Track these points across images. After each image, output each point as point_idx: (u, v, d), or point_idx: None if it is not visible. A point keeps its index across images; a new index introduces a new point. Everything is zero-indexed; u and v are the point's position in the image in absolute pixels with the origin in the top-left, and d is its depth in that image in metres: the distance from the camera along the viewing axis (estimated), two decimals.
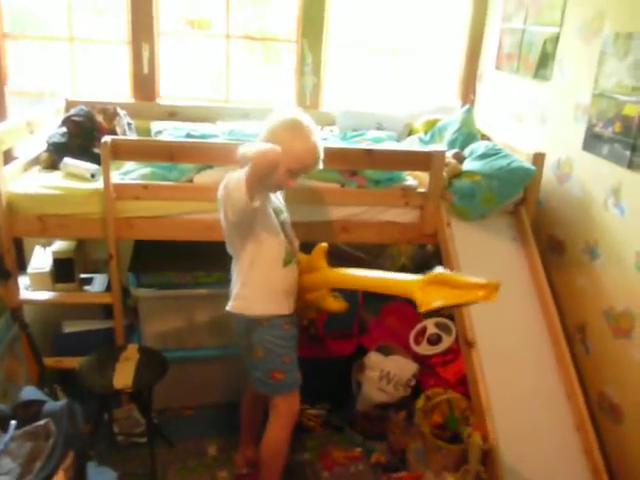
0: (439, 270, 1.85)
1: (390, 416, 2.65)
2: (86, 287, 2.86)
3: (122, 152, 2.40)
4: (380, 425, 2.70)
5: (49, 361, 2.60)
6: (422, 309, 1.79)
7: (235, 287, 2.10)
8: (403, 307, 2.98)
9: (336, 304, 2.16)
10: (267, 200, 2.05)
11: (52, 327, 2.90)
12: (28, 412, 1.54)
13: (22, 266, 2.83)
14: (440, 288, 1.79)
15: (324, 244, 2.20)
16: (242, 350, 2.15)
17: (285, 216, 2.17)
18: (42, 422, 1.49)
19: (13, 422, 1.52)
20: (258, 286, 2.07)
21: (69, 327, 2.85)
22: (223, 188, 1.94)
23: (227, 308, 2.11)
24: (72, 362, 2.44)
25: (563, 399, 2.28)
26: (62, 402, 1.54)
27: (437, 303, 1.76)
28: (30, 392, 1.65)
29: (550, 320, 2.43)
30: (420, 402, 2.41)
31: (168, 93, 3.43)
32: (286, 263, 2.08)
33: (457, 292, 1.76)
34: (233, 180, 1.89)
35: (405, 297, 1.89)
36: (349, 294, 2.89)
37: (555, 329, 2.40)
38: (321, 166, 2.06)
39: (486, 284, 1.74)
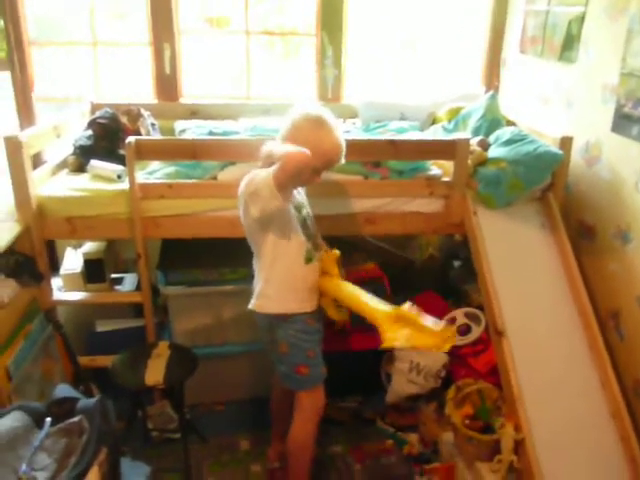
0: (406, 307, 1.95)
1: (421, 407, 2.64)
2: (117, 287, 2.91)
3: (146, 152, 2.43)
4: (411, 417, 2.69)
5: (83, 360, 2.65)
6: (384, 344, 1.88)
7: (258, 285, 2.11)
8: (432, 298, 2.97)
9: (337, 315, 2.14)
10: (289, 198, 2.04)
11: (85, 327, 2.96)
12: (62, 409, 1.57)
13: (55, 268, 2.90)
14: (403, 326, 1.89)
15: (337, 252, 2.18)
16: (267, 345, 2.16)
17: (307, 211, 2.17)
18: (76, 419, 1.52)
19: (48, 419, 1.56)
20: (281, 284, 2.06)
21: (102, 326, 2.91)
22: (246, 185, 1.95)
23: (250, 306, 2.11)
24: (105, 360, 2.48)
25: (597, 386, 2.23)
26: (94, 399, 1.57)
27: (396, 343, 1.86)
28: (64, 390, 1.68)
29: (582, 307, 2.38)
30: (451, 393, 2.39)
31: (190, 92, 3.45)
32: (307, 260, 2.07)
33: (415, 335, 1.87)
34: (260, 178, 1.88)
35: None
36: (378, 286, 2.91)
37: (587, 316, 2.35)
38: (343, 160, 2.05)
39: (439, 332, 1.85)
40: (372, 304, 1.98)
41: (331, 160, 2.00)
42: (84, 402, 1.57)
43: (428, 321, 1.90)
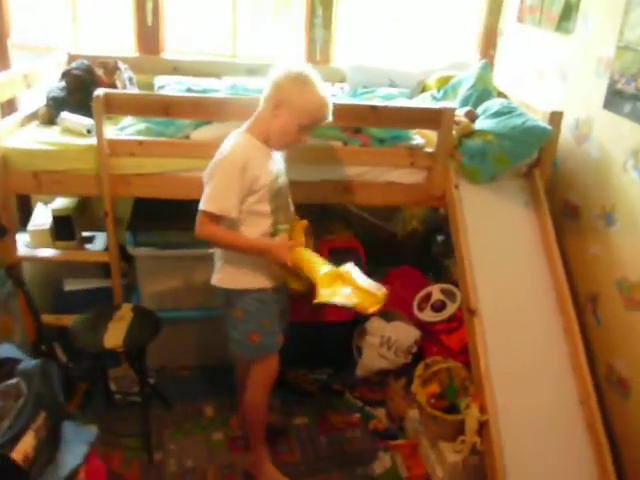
0: (346, 267, 1.90)
1: (390, 383, 2.60)
2: (87, 245, 2.82)
3: (115, 106, 2.32)
4: (380, 392, 2.65)
5: (48, 318, 2.58)
6: (316, 299, 1.83)
7: (219, 260, 2.05)
8: (408, 272, 2.91)
9: (296, 284, 2.06)
10: (264, 171, 1.95)
11: (54, 285, 2.89)
12: (1, 370, 1.50)
13: (27, 223, 2.81)
14: (342, 285, 1.85)
15: (305, 221, 2.10)
16: (222, 309, 2.11)
17: (283, 179, 2.07)
18: (13, 381, 1.46)
19: None
20: (242, 260, 1.99)
21: (70, 285, 2.84)
22: (214, 163, 1.92)
23: (212, 282, 2.07)
24: (71, 320, 2.41)
25: (568, 371, 2.18)
26: (36, 361, 1.50)
27: (331, 299, 1.81)
28: (7, 349, 1.62)
29: (560, 289, 2.31)
30: (419, 370, 2.34)
31: (173, 47, 3.31)
32: (274, 234, 2.00)
33: (353, 293, 1.83)
34: (219, 176, 1.88)
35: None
36: (354, 256, 2.84)
37: (564, 298, 2.28)
38: (331, 118, 1.96)
39: (374, 294, 1.82)
40: (316, 265, 1.91)
41: (317, 118, 1.92)
42: (25, 364, 1.50)
43: (366, 282, 1.86)
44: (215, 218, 1.88)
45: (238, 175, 1.87)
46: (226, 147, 1.92)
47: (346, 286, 1.85)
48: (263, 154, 1.96)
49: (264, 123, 1.93)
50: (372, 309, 1.82)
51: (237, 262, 2.00)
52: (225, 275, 2.04)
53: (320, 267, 1.90)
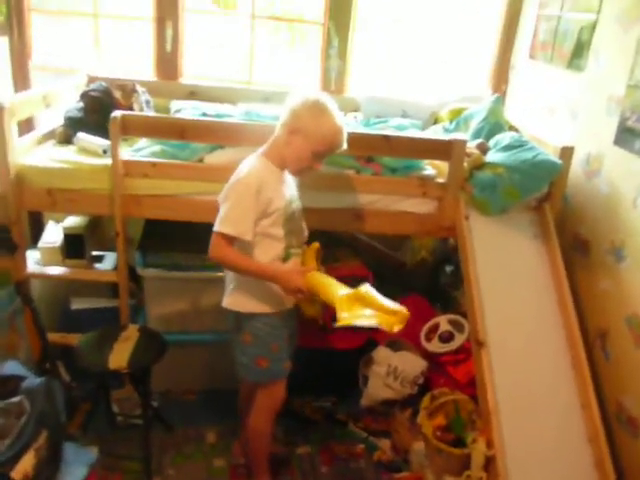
0: (365, 288, 1.87)
1: (395, 413, 2.56)
2: (97, 264, 2.83)
3: (132, 128, 2.36)
4: (385, 422, 2.61)
5: (54, 337, 2.58)
6: (338, 323, 1.80)
7: (231, 282, 2.05)
8: (416, 302, 2.88)
9: (310, 309, 2.06)
10: (278, 195, 1.96)
11: (61, 303, 2.90)
12: (6, 387, 1.50)
13: (38, 241, 2.82)
14: (362, 306, 1.83)
15: (317, 244, 2.10)
16: (231, 332, 2.10)
17: (297, 204, 2.08)
18: (16, 399, 1.45)
19: None
20: (254, 284, 1.99)
21: (77, 304, 2.84)
22: (229, 185, 1.93)
23: (223, 304, 2.07)
24: (77, 339, 2.41)
25: (577, 408, 2.14)
26: (39, 379, 1.49)
27: (354, 321, 1.78)
28: (12, 367, 1.62)
29: (569, 323, 2.29)
30: (425, 401, 2.31)
31: (191, 72, 3.37)
32: (285, 259, 2.00)
33: (375, 314, 1.80)
34: (233, 199, 1.89)
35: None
36: (361, 283, 2.83)
37: (573, 333, 2.26)
38: (345, 146, 1.98)
39: (396, 312, 1.79)
40: (333, 288, 1.90)
41: (332, 145, 1.94)
42: (29, 382, 1.50)
43: (386, 302, 1.84)
44: (230, 240, 1.88)
45: (253, 198, 1.88)
46: (242, 170, 1.94)
47: (366, 307, 1.82)
48: (277, 178, 1.98)
49: (279, 148, 1.95)
50: (396, 328, 1.77)
51: (248, 286, 2.00)
52: (236, 298, 2.03)
53: (337, 290, 1.88)
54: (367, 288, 1.88)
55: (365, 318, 1.79)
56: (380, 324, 1.77)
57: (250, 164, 1.95)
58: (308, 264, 2.04)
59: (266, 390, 2.11)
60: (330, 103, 1.94)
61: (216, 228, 1.89)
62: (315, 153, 1.92)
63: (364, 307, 1.82)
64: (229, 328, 2.11)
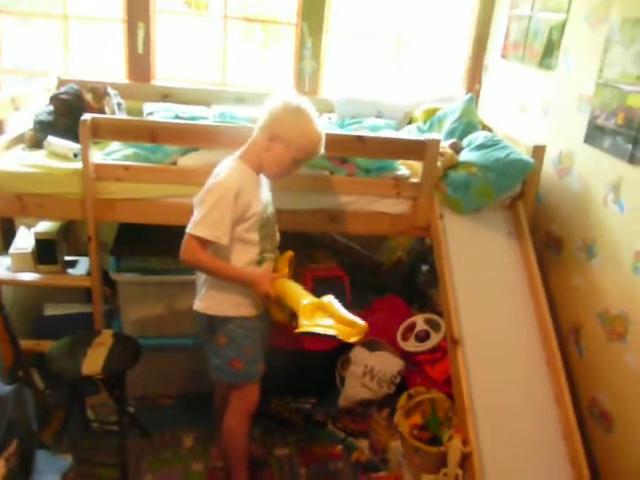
0: (327, 299, 1.94)
1: (373, 414, 2.56)
2: (70, 270, 2.79)
3: (102, 131, 2.33)
4: (363, 422, 2.61)
5: (27, 344, 2.54)
6: (299, 329, 1.86)
7: (203, 286, 2.02)
8: (393, 301, 2.90)
9: (279, 315, 2.07)
10: (256, 199, 1.95)
11: (34, 310, 2.85)
12: None
13: (9, 246, 2.78)
14: (323, 315, 1.90)
15: (291, 252, 2.11)
16: (203, 335, 2.09)
17: (270, 209, 2.07)
18: None
19: None
20: (227, 288, 1.97)
21: (50, 310, 2.81)
22: (207, 188, 1.89)
23: (194, 308, 2.05)
24: (51, 345, 2.38)
25: (551, 404, 2.16)
26: (9, 387, 1.46)
27: (313, 329, 1.85)
28: None
29: (542, 320, 2.31)
30: (402, 401, 2.32)
31: (163, 75, 3.35)
32: (259, 263, 2.00)
33: (332, 323, 1.87)
34: (210, 201, 1.86)
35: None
36: (337, 285, 2.83)
37: (547, 330, 2.28)
38: (323, 151, 1.98)
39: (354, 324, 1.86)
40: (298, 296, 1.93)
41: (313, 152, 1.94)
42: None
43: (346, 314, 1.90)
44: (204, 243, 1.86)
45: (231, 202, 1.85)
46: (220, 173, 1.90)
47: (327, 317, 1.88)
48: (254, 182, 1.96)
49: (257, 152, 1.92)
50: (353, 339, 1.84)
51: (221, 289, 1.98)
52: (209, 302, 2.02)
53: (301, 298, 1.92)
54: (330, 299, 1.95)
55: (324, 327, 1.85)
56: (338, 334, 1.83)
57: (228, 167, 1.92)
58: (281, 271, 2.05)
59: (240, 392, 2.10)
60: (310, 109, 1.92)
61: (190, 230, 1.86)
62: (295, 159, 1.92)
63: (325, 316, 1.88)
64: (201, 330, 2.10)
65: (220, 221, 1.86)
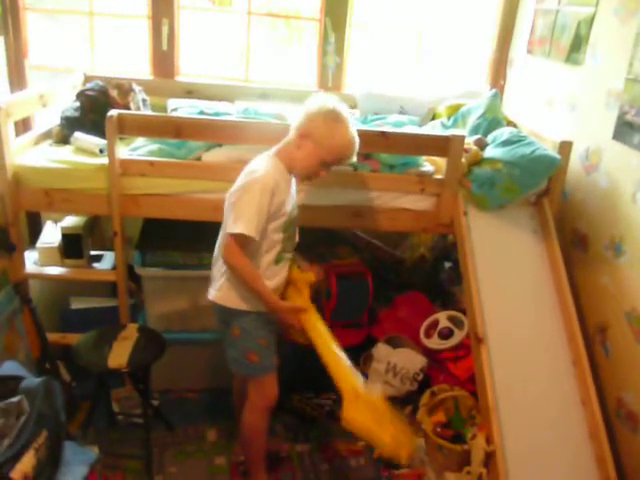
0: (377, 391, 1.95)
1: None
2: (95, 264, 2.83)
3: (128, 127, 2.35)
4: None
5: (54, 337, 2.59)
6: (343, 422, 1.86)
7: (221, 277, 2.02)
8: (416, 298, 2.88)
9: (301, 338, 2.08)
10: (288, 198, 1.97)
11: (61, 303, 2.89)
12: (5, 388, 1.50)
13: (36, 241, 2.82)
14: (367, 410, 1.85)
15: (312, 276, 2.12)
16: (220, 327, 2.10)
17: (296, 211, 2.08)
18: (15, 399, 1.44)
19: None
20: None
21: (76, 304, 2.85)
22: (241, 186, 1.89)
23: (210, 297, 2.05)
24: (76, 338, 2.41)
25: (577, 404, 2.14)
26: (39, 379, 1.49)
27: (353, 428, 1.83)
28: (10, 367, 1.61)
29: (568, 319, 2.29)
30: (425, 398, 2.31)
31: (187, 71, 3.36)
32: (277, 261, 2.01)
33: (373, 428, 1.82)
34: (247, 200, 1.85)
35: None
36: (361, 282, 2.82)
37: (573, 329, 2.25)
38: (355, 158, 2.00)
39: (397, 434, 1.81)
40: (343, 368, 1.96)
41: (342, 156, 1.95)
42: (28, 382, 1.49)
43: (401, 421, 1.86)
44: (246, 241, 1.85)
45: (269, 198, 1.86)
46: (257, 169, 1.90)
47: (372, 414, 1.84)
48: (288, 181, 1.98)
49: (290, 150, 1.94)
50: (403, 456, 1.81)
51: (239, 283, 1.98)
52: (225, 293, 2.01)
53: (345, 371, 1.93)
54: (376, 392, 1.94)
55: (367, 433, 1.82)
56: (379, 447, 1.82)
57: (265, 163, 1.92)
58: (302, 290, 2.07)
59: (258, 387, 2.10)
60: (346, 113, 1.93)
61: (232, 229, 1.84)
62: (323, 161, 1.92)
63: (366, 409, 1.84)
64: (217, 321, 2.11)
65: (257, 216, 1.85)
